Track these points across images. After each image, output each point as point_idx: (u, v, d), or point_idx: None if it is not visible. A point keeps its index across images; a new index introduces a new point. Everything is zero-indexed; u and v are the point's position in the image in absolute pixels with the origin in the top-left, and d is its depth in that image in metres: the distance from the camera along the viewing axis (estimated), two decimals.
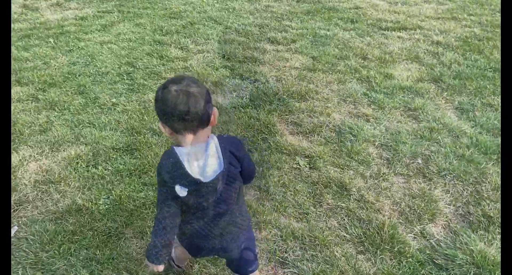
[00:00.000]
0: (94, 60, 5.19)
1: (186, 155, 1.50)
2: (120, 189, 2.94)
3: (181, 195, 1.55)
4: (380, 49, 5.63)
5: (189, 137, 1.50)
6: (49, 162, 3.26)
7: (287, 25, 6.64)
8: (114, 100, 4.22)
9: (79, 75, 4.79)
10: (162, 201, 1.60)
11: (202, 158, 1.53)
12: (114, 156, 3.30)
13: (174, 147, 1.53)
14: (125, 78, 4.74)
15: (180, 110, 1.42)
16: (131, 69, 4.96)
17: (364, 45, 5.76)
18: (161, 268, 1.67)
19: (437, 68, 5.03)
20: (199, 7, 7.68)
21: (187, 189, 1.54)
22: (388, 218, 2.77)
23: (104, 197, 2.90)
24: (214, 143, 1.55)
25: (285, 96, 4.34)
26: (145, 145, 3.45)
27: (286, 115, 4.02)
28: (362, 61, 5.25)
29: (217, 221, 1.69)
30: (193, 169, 1.52)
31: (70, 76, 4.78)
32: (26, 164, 3.22)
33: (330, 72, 4.94)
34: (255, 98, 4.27)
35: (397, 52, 5.51)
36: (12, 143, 3.45)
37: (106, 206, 2.80)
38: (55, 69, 4.96)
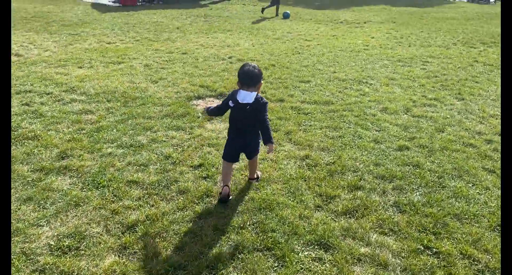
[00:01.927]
0: None
1: (240, 92, 3.16)
2: None
3: (231, 105, 3.20)
4: None
5: (245, 88, 3.14)
6: None
7: None
8: None
9: None
10: (221, 105, 3.33)
11: (245, 96, 3.13)
12: None
13: (238, 89, 3.19)
14: None
15: (243, 76, 3.13)
16: None
17: None
18: (207, 112, 3.52)
19: None
20: None
21: (234, 103, 3.18)
22: None
23: None
24: (253, 94, 3.13)
25: None
26: None
27: None
28: None
29: (244, 128, 3.30)
30: (239, 97, 3.14)
31: None
32: None
33: None
34: None
35: None
36: None
37: None
38: None
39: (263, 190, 3.43)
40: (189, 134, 4.50)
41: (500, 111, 5.42)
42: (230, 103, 3.18)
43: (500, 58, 8.42)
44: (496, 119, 5.23)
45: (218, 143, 4.26)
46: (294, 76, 6.85)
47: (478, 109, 5.56)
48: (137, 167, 3.74)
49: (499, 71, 7.61)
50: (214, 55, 8.22)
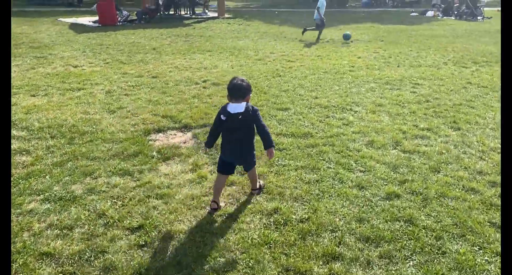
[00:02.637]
0: None
1: (229, 105, 3.22)
2: None
3: (223, 118, 3.21)
4: None
5: (233, 101, 3.21)
6: None
7: None
8: None
9: None
10: (214, 125, 3.36)
11: (235, 107, 3.19)
12: None
13: (227, 103, 3.27)
14: None
15: (231, 89, 3.21)
16: None
17: None
18: (207, 150, 3.75)
19: None
20: None
21: (225, 116, 3.20)
22: None
23: None
24: (243, 104, 3.20)
25: None
26: None
27: None
28: None
29: (237, 139, 3.30)
30: (230, 109, 3.20)
31: None
32: None
33: None
34: None
35: None
36: None
37: None
38: None
39: (212, 265, 2.66)
40: (136, 180, 3.72)
41: (500, 143, 4.75)
42: (222, 117, 3.22)
43: (500, 78, 7.84)
44: (498, 153, 4.53)
45: (169, 194, 3.48)
46: (271, 102, 6.15)
47: (477, 141, 4.86)
48: (59, 231, 2.94)
49: (495, 94, 6.98)
50: (187, 79, 7.52)
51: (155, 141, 4.65)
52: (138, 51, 10.24)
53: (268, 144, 3.23)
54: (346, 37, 13.07)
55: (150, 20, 16.36)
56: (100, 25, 14.93)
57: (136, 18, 16.22)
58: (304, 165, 4.11)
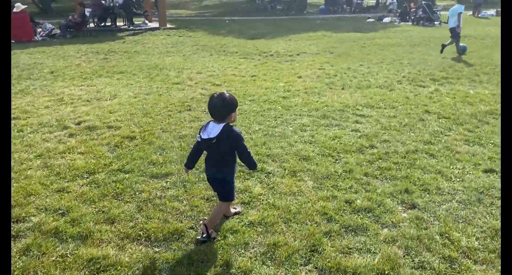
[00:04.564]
0: None
1: (208, 125, 2.83)
2: None
3: (198, 139, 2.87)
4: None
5: (213, 121, 2.85)
6: None
7: None
8: None
9: None
10: (194, 146, 3.05)
11: (212, 129, 2.79)
12: None
13: (209, 121, 2.87)
14: None
15: (208, 109, 2.83)
16: None
17: None
18: (189, 171, 3.17)
19: None
20: None
21: (200, 138, 2.85)
22: None
23: None
24: (220, 126, 2.76)
25: None
26: None
27: None
28: None
29: (212, 160, 2.94)
30: (205, 131, 2.81)
31: None
32: None
33: None
34: None
35: None
36: None
37: None
38: None
39: None
40: None
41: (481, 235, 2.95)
42: (198, 138, 2.88)
43: (500, 93, 6.12)
44: (475, 262, 2.72)
45: None
46: (147, 162, 4.16)
47: (440, 234, 3.02)
48: None
49: (460, 128, 5.22)
50: (58, 120, 5.38)
51: None
52: (28, 77, 8.01)
53: (250, 167, 2.99)
54: (463, 49, 10.84)
55: (76, 33, 14.09)
56: (13, 41, 12.55)
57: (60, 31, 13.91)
58: None
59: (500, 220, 3.01)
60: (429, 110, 5.95)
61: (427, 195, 3.51)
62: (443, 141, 4.80)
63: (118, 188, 3.60)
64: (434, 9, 19.37)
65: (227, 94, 2.78)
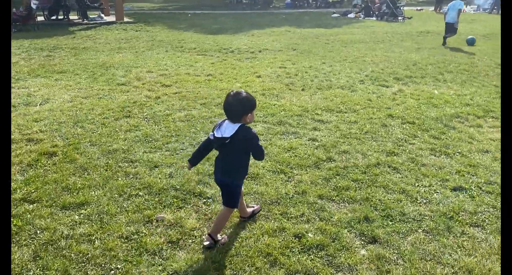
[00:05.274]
0: None
1: (223, 123, 2.61)
2: None
3: (210, 137, 2.66)
4: None
5: (228, 120, 2.63)
6: None
7: None
8: None
9: None
10: (204, 142, 2.86)
11: (226, 128, 2.58)
12: None
13: (224, 120, 2.67)
14: None
15: (224, 108, 2.60)
16: None
17: None
18: (191, 168, 2.97)
19: None
20: None
21: (212, 136, 2.64)
22: None
23: None
24: (235, 126, 2.55)
25: None
26: None
27: None
28: None
29: (222, 161, 2.74)
30: (219, 130, 2.60)
31: None
32: None
33: None
34: None
35: None
36: None
37: None
38: None
39: None
40: None
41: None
42: (210, 135, 2.67)
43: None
44: None
45: None
46: (61, 188, 3.37)
47: None
48: None
49: (425, 135, 4.74)
50: None
51: None
52: None
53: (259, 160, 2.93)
54: (471, 42, 10.96)
55: (22, 27, 12.85)
56: None
57: None
58: None
59: (498, 240, 2.48)
60: (392, 114, 5.47)
61: (390, 223, 2.97)
62: (407, 151, 4.31)
63: (15, 225, 2.86)
64: (398, 5, 19.19)
65: (244, 93, 2.61)
